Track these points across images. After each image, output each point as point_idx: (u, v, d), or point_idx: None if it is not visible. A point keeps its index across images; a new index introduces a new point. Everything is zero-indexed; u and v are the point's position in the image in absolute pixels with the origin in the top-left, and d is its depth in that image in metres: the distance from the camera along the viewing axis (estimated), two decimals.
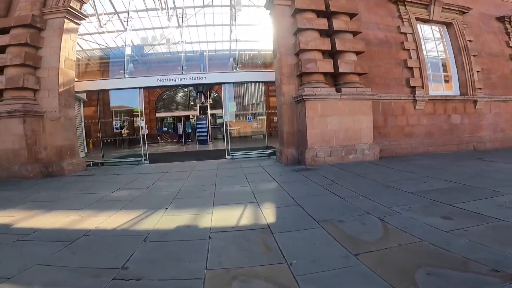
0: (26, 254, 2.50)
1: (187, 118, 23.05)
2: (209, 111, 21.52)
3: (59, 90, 7.52)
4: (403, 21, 8.53)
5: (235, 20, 11.99)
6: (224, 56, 14.42)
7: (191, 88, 21.36)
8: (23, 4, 7.39)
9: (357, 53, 7.57)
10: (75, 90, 8.57)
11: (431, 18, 8.86)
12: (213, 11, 14.42)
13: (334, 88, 7.36)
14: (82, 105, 12.10)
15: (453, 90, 9.18)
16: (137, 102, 10.41)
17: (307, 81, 7.30)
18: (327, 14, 7.49)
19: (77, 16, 8.00)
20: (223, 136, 10.84)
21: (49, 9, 7.56)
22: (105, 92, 10.76)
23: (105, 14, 12.43)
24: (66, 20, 7.65)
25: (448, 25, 9.20)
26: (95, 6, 11.78)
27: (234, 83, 10.33)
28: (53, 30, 7.57)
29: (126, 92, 10.20)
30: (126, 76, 10.26)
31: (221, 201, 4.13)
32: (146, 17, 14.36)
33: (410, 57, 8.39)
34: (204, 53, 13.57)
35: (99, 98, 10.76)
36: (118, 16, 12.69)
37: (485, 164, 6.06)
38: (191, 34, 15.09)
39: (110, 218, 3.54)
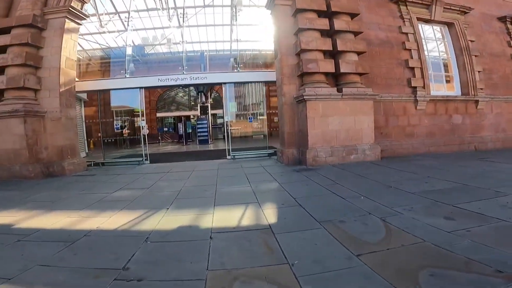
0: (27, 254, 2.50)
1: (187, 118, 23.03)
2: (210, 111, 21.52)
3: (60, 90, 7.52)
4: (404, 21, 8.51)
5: (236, 20, 12.00)
6: (225, 56, 14.40)
7: (191, 88, 21.39)
8: (24, 4, 7.40)
9: (358, 53, 7.55)
10: (76, 90, 8.56)
11: (432, 18, 8.85)
12: (213, 11, 14.44)
13: (335, 88, 7.35)
14: (83, 105, 12.12)
15: (454, 90, 9.16)
16: (138, 102, 10.43)
17: (308, 81, 7.29)
18: (328, 14, 7.48)
19: (78, 16, 8.00)
20: (224, 136, 10.81)
21: (50, 9, 7.56)
22: (106, 92, 10.76)
23: (106, 14, 12.47)
24: (67, 20, 7.65)
25: (449, 25, 9.19)
26: (96, 6, 11.80)
27: (234, 83, 10.32)
28: (54, 30, 7.57)
29: (127, 92, 10.21)
30: (127, 76, 10.28)
31: (222, 202, 4.12)
32: (147, 17, 14.40)
33: (412, 57, 8.37)
34: (205, 53, 13.59)
35: (100, 98, 10.80)
36: (119, 16, 12.72)
37: (487, 164, 6.04)
38: (191, 34, 15.15)
39: (111, 219, 3.54)
